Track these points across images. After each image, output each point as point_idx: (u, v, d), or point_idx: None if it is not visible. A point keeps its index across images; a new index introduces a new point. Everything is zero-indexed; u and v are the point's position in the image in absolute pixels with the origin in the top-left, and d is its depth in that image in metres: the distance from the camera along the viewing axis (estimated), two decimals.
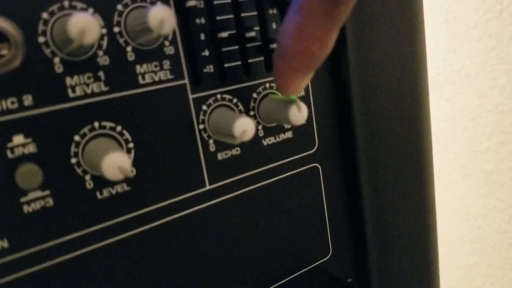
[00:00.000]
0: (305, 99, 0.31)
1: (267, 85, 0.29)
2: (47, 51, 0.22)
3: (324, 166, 0.33)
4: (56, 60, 0.22)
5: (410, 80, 0.35)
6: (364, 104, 0.33)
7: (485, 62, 0.68)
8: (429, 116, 0.37)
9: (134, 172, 0.25)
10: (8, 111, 0.21)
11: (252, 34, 0.27)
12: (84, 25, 0.19)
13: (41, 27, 0.21)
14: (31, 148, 0.22)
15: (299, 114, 0.26)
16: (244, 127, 0.24)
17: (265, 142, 0.29)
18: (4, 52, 0.20)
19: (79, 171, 0.23)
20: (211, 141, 0.27)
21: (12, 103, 0.21)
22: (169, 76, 0.25)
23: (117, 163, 0.21)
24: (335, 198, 0.34)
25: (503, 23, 0.66)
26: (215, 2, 0.26)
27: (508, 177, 0.72)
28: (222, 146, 0.28)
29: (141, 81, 0.24)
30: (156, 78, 0.25)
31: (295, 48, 0.23)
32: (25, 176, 0.21)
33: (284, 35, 0.23)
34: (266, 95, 0.28)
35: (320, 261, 0.34)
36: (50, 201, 0.23)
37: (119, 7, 0.23)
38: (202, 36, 0.26)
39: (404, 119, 0.35)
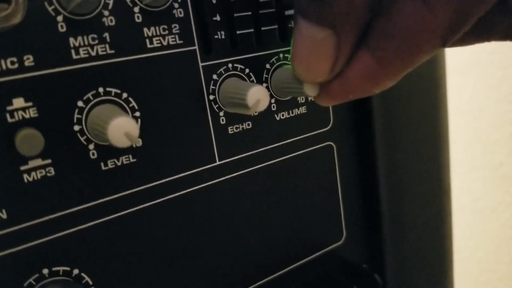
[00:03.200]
0: None
1: (281, 55, 0.27)
2: (50, 8, 0.20)
3: (338, 145, 0.31)
4: (60, 18, 0.20)
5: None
6: None
7: (495, 51, 0.67)
8: (446, 96, 0.36)
9: (140, 143, 0.23)
10: (8, 72, 0.19)
11: None
12: None
13: None
14: (31, 113, 0.20)
15: (315, 85, 0.24)
16: (259, 96, 0.23)
17: (278, 116, 0.28)
18: (4, 7, 0.19)
19: (82, 139, 0.22)
20: (221, 113, 0.26)
21: (12, 63, 0.20)
22: (178, 41, 0.24)
23: (124, 128, 0.19)
24: (349, 179, 0.33)
25: None
26: None
27: None
28: (233, 119, 0.26)
29: (148, 45, 0.23)
30: (165, 43, 0.23)
31: None
32: (26, 141, 0.19)
33: None
34: (280, 66, 0.27)
35: (333, 246, 0.32)
36: (52, 171, 0.21)
37: None
38: None
39: (422, 98, 0.34)
